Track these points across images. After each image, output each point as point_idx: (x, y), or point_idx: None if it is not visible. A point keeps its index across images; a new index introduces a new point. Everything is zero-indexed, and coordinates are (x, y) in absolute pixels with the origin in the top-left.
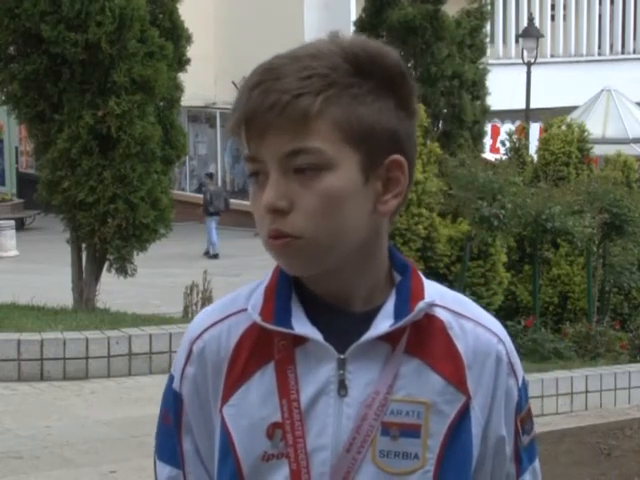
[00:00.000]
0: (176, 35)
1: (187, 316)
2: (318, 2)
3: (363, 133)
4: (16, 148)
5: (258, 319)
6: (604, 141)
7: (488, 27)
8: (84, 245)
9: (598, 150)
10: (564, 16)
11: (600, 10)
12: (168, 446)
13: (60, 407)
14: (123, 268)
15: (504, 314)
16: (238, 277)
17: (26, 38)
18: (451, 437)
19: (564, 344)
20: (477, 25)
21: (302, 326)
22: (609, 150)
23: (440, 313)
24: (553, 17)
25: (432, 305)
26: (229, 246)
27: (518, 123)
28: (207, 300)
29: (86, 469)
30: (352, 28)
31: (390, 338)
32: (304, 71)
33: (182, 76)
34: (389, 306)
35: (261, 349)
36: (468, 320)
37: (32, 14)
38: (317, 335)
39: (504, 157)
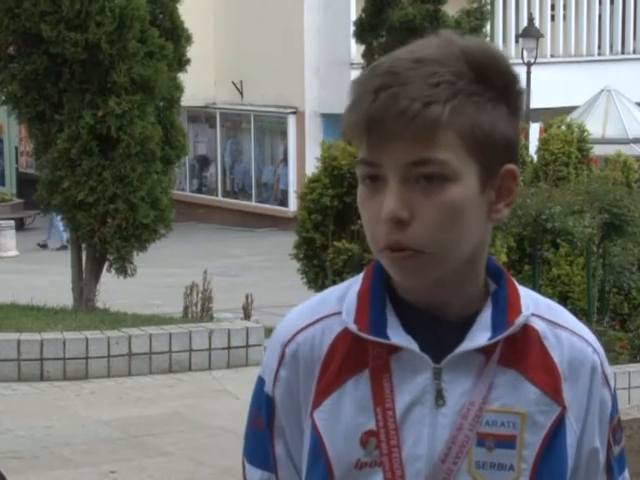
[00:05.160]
0: (176, 35)
1: (187, 316)
2: (318, 2)
3: (483, 143)
4: (16, 148)
5: (353, 328)
6: (604, 141)
7: (488, 27)
8: (84, 245)
9: (598, 150)
10: (564, 16)
11: (600, 10)
12: (259, 450)
13: (60, 407)
14: (123, 268)
15: None
16: (238, 277)
17: (26, 38)
18: (546, 448)
19: None
20: (477, 25)
21: (398, 336)
22: (609, 150)
23: (535, 322)
24: (553, 17)
25: (529, 316)
26: (229, 246)
27: None
28: (207, 300)
29: (86, 469)
30: (352, 28)
31: (484, 349)
32: (432, 77)
33: (182, 76)
34: (485, 317)
35: (355, 355)
36: (563, 329)
37: (32, 14)
38: (413, 345)
39: None
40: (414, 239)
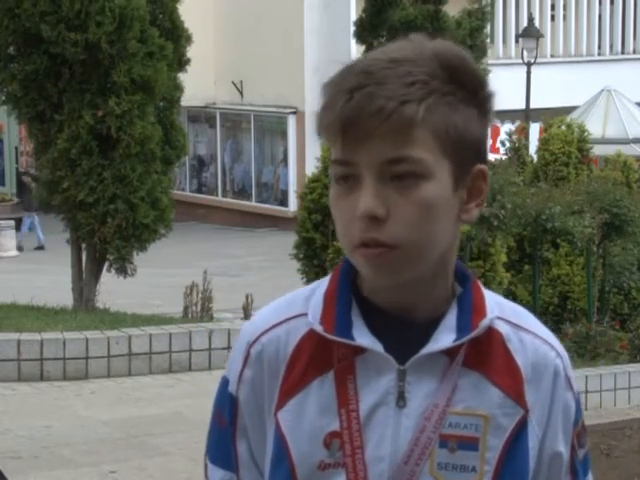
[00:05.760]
0: (176, 35)
1: (187, 316)
2: (318, 2)
3: (456, 142)
4: (16, 148)
5: (319, 329)
6: (604, 141)
7: (488, 27)
8: (84, 245)
9: (598, 150)
10: (564, 16)
11: (600, 10)
12: (222, 449)
13: (60, 407)
14: (123, 268)
15: None
16: (238, 277)
17: (26, 38)
18: (509, 450)
19: (564, 344)
20: (478, 26)
21: (363, 337)
22: (609, 150)
23: (499, 325)
24: (553, 17)
25: (493, 319)
26: (229, 246)
27: (518, 123)
28: (207, 300)
29: (86, 469)
30: (352, 28)
31: (449, 351)
32: (407, 77)
33: (182, 76)
34: (450, 319)
35: (320, 356)
36: (527, 332)
37: (32, 14)
38: (378, 346)
39: (504, 157)
40: (390, 236)
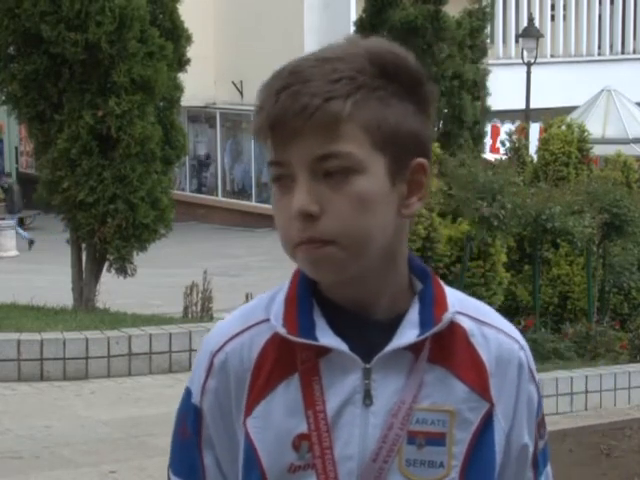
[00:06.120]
0: (176, 35)
1: (187, 316)
2: (318, 2)
3: (390, 136)
4: (16, 148)
5: (283, 331)
6: (604, 141)
7: (488, 27)
8: (84, 245)
9: (598, 150)
10: (564, 16)
11: (600, 10)
12: (186, 461)
13: (60, 407)
14: (123, 268)
15: (504, 314)
16: (238, 277)
17: (26, 38)
18: (475, 444)
19: (564, 344)
20: (478, 26)
21: (327, 337)
22: (609, 150)
23: (462, 321)
24: (553, 17)
25: (455, 313)
26: (229, 246)
27: (518, 123)
28: (207, 300)
29: (86, 469)
30: (352, 28)
31: (413, 347)
32: (332, 74)
33: (182, 76)
34: (413, 315)
35: (284, 360)
36: (490, 327)
37: (32, 14)
38: (342, 346)
39: (504, 157)
40: (325, 231)
